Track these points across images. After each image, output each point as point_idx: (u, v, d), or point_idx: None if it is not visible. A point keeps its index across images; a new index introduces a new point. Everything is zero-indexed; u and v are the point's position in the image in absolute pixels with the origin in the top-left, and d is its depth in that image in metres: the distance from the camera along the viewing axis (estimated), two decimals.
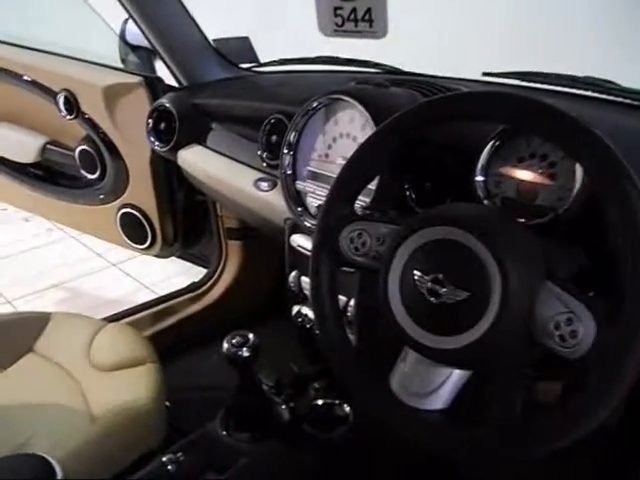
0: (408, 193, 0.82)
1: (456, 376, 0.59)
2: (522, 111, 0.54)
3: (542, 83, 0.99)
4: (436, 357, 0.58)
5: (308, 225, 0.95)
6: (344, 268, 0.70)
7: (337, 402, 1.03)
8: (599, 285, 0.57)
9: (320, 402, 1.04)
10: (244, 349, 0.87)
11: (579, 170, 0.63)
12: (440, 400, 0.60)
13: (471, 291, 0.54)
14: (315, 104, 0.92)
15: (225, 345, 0.87)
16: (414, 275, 0.58)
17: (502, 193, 0.70)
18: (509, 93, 0.56)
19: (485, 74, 1.08)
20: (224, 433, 0.95)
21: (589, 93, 0.94)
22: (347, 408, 1.02)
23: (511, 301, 0.52)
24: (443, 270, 0.56)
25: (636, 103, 0.89)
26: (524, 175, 0.68)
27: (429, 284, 0.56)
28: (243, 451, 0.91)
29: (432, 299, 0.56)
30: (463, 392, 0.59)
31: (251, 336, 0.88)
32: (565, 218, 0.63)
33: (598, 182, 0.51)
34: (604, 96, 0.93)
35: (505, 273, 0.53)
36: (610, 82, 0.95)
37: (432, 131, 0.64)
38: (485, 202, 0.70)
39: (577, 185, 0.63)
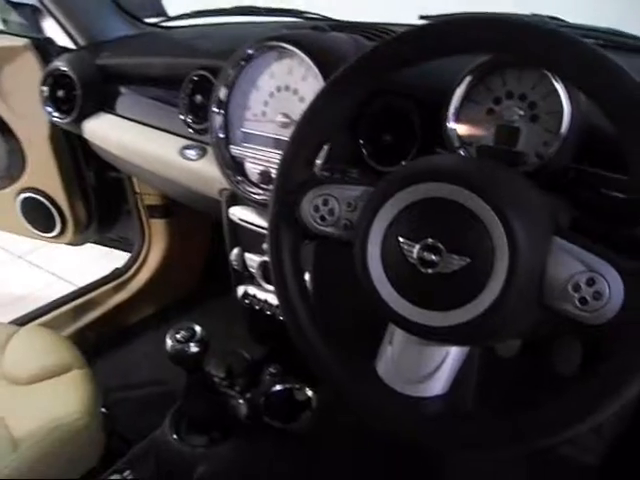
0: (364, 150, 0.73)
1: (455, 354, 0.52)
2: (525, 35, 0.45)
3: None
4: (433, 336, 0.50)
5: (251, 195, 0.83)
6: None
7: (297, 386, 0.94)
8: (605, 239, 0.50)
9: (278, 388, 0.95)
10: (191, 344, 0.75)
11: (567, 110, 0.56)
12: (439, 384, 0.52)
13: (471, 256, 0.46)
14: (248, 52, 0.80)
15: (169, 342, 0.75)
16: (399, 243, 0.49)
17: (477, 141, 0.62)
18: (503, 16, 0.47)
19: (422, 17, 1.00)
20: (175, 438, 0.84)
21: None
22: (309, 392, 0.93)
23: (520, 264, 0.44)
24: (434, 235, 0.47)
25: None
26: (501, 118, 0.61)
27: (419, 252, 0.48)
28: (200, 457, 0.80)
29: (426, 270, 0.47)
30: (463, 372, 0.52)
31: (198, 329, 0.77)
32: (555, 164, 0.56)
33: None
34: None
35: (511, 231, 0.45)
36: (557, 19, 0.90)
37: (402, 74, 0.54)
38: (461, 152, 0.62)
39: (565, 126, 0.56)
